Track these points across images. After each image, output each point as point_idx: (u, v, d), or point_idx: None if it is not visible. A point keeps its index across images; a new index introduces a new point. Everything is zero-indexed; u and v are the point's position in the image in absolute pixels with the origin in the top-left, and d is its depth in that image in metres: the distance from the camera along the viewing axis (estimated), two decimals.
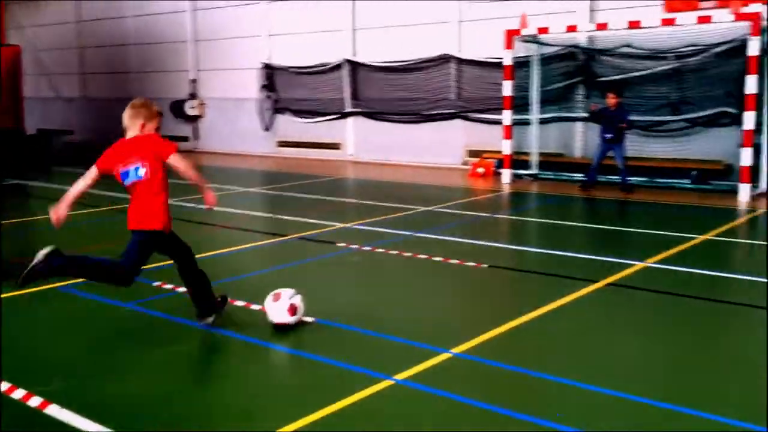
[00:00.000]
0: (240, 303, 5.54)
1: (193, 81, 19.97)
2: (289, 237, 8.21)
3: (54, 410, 3.70)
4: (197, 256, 5.13)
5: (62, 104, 23.70)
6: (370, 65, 16.29)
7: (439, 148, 15.49)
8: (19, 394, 3.89)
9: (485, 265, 6.77)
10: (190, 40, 19.79)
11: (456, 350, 4.53)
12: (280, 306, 4.92)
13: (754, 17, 10.37)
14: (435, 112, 15.50)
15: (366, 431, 3.49)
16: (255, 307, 5.45)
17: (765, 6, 10.84)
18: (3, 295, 5.65)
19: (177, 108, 20.09)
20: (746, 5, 10.73)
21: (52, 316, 5.49)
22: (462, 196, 11.58)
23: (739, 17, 10.55)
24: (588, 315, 5.41)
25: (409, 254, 7.23)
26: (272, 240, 8.16)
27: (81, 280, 5.62)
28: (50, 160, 16.94)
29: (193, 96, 19.96)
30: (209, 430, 3.57)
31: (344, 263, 7.11)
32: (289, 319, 4.91)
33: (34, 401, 3.80)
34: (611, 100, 11.48)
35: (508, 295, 6.10)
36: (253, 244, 7.87)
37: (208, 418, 3.70)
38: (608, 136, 11.38)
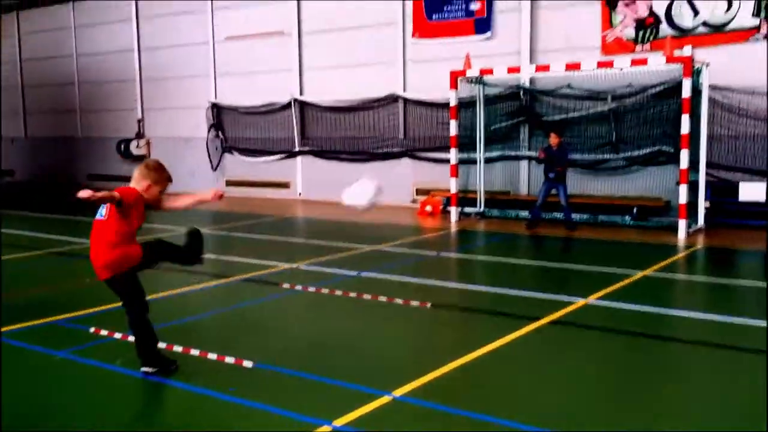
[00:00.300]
0: (178, 348, 5.41)
1: (140, 120, 19.75)
2: (232, 279, 8.09)
3: None
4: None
5: (3, 144, 23.13)
6: (318, 105, 16.38)
7: (387, 186, 15.29)
8: None
9: (429, 305, 6.77)
10: (137, 79, 19.61)
11: (397, 393, 4.48)
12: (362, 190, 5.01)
13: (686, 60, 10.79)
14: (383, 150, 15.62)
15: None
16: (194, 352, 5.32)
17: (695, 49, 11.32)
18: None
19: (123, 147, 19.81)
20: (678, 48, 11.18)
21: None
22: (410, 235, 11.63)
23: (671, 60, 10.97)
24: (530, 354, 5.44)
25: (354, 294, 7.19)
26: (215, 282, 8.03)
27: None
28: None
29: (139, 135, 19.72)
30: None
31: (288, 305, 7.03)
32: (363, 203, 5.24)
33: None
34: (553, 140, 11.75)
35: (451, 335, 6.10)
36: (194, 287, 7.72)
37: None
38: (552, 174, 11.62)
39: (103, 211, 4.76)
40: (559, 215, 12.01)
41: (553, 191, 11.73)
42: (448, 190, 13.38)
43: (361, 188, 5.14)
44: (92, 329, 5.89)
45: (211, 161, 18.25)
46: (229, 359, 5.15)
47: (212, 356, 5.23)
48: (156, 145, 19.56)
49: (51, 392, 4.70)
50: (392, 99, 15.37)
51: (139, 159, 19.71)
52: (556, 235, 11.39)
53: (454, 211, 13.12)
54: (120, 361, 5.14)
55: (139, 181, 4.96)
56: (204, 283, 7.92)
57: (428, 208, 14.04)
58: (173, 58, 18.80)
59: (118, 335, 5.76)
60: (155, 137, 19.57)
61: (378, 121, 15.60)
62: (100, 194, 4.44)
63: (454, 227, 12.48)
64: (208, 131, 18.15)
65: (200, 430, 4.05)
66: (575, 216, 11.88)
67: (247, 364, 5.05)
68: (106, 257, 4.70)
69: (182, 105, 18.73)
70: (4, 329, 5.87)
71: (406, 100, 15.24)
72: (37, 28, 21.74)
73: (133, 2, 19.32)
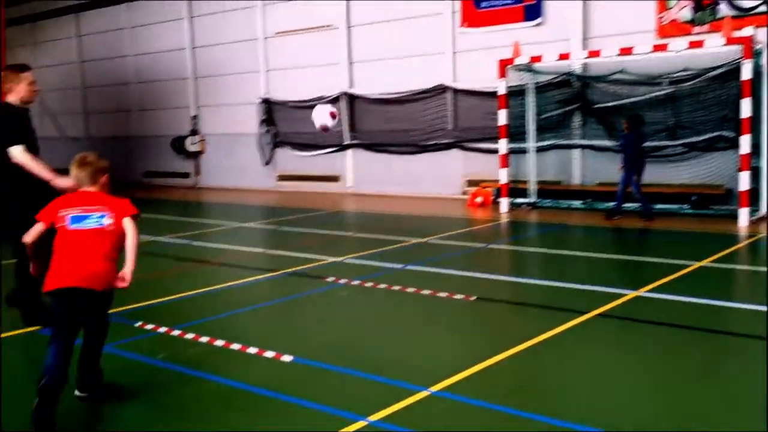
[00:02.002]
0: (219, 342, 5.44)
1: (194, 117, 20.09)
2: (278, 272, 8.11)
3: None
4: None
5: (67, 144, 23.87)
6: (367, 97, 16.34)
7: (437, 178, 15.44)
8: None
9: (474, 298, 6.64)
10: (191, 77, 19.95)
11: (434, 388, 4.39)
12: (322, 109, 5.57)
13: (746, 41, 10.32)
14: (432, 142, 15.48)
15: None
16: (235, 346, 5.34)
17: (757, 29, 10.80)
18: None
19: (178, 144, 20.19)
20: (738, 29, 10.69)
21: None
22: (459, 227, 11.48)
23: (731, 41, 10.50)
24: (575, 349, 5.27)
25: (398, 288, 7.12)
26: (261, 276, 8.07)
27: None
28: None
29: (194, 132, 20.07)
30: None
31: (331, 299, 7.00)
32: (331, 122, 5.65)
33: None
34: (627, 127, 11.31)
35: (493, 329, 5.96)
36: (240, 281, 7.78)
37: None
38: (629, 162, 11.16)
39: (105, 220, 4.20)
40: (632, 206, 11.52)
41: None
42: (498, 181, 13.17)
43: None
44: (138, 323, 5.98)
45: (263, 156, 18.44)
46: (269, 353, 5.15)
47: (252, 350, 5.24)
48: (209, 142, 19.87)
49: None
50: (441, 90, 15.21)
51: (194, 155, 20.09)
52: (612, 226, 11.07)
53: (504, 202, 12.91)
54: (162, 356, 5.20)
55: (99, 179, 4.39)
56: (250, 278, 7.97)
57: (478, 199, 13.85)
58: (225, 56, 19.05)
59: (162, 329, 5.83)
60: (208, 134, 19.89)
61: (427, 112, 15.46)
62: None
63: (504, 218, 12.27)
64: (260, 126, 18.34)
65: (236, 425, 4.05)
66: (628, 205, 11.47)
67: (286, 358, 5.04)
68: (108, 268, 4.16)
69: (234, 101, 18.97)
70: None
71: (455, 91, 15.06)
72: (96, 29, 22.34)
73: (186, 1, 19.64)
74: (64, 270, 4.03)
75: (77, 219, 4.17)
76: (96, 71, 22.72)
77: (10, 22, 23.01)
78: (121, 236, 4.22)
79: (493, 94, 13.48)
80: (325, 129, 5.74)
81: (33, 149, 5.83)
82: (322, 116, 5.73)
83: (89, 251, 4.09)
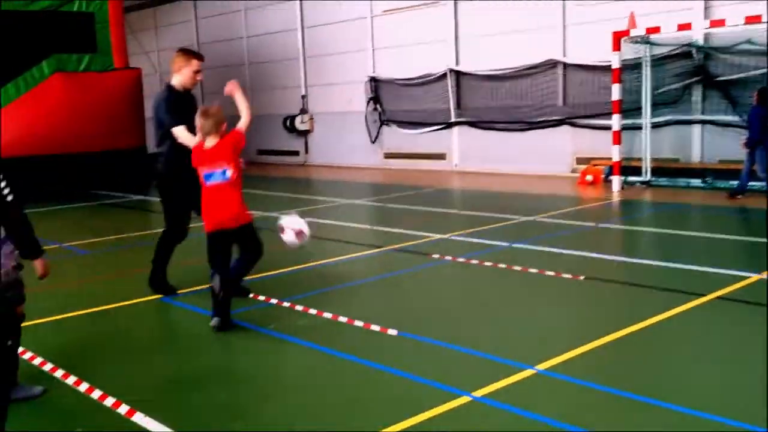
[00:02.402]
0: (327, 315, 5.58)
1: (303, 96, 20.53)
2: (384, 248, 8.21)
3: (139, 418, 3.86)
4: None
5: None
6: (474, 74, 16.13)
7: (545, 156, 15.08)
8: (109, 401, 4.09)
9: (582, 278, 6.47)
10: (301, 57, 20.37)
11: (540, 367, 4.33)
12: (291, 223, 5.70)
13: None
14: (541, 119, 15.11)
15: None
16: (342, 319, 5.47)
17: None
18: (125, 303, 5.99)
19: (289, 123, 20.71)
20: None
21: (154, 326, 5.75)
22: (568, 205, 11.19)
23: None
24: (689, 332, 5.04)
25: (504, 266, 7.04)
26: (368, 251, 8.20)
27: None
28: None
29: (303, 111, 20.52)
30: None
31: (436, 275, 7.02)
32: (294, 241, 5.70)
33: (122, 409, 3.98)
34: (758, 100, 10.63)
35: (603, 309, 5.79)
36: (348, 256, 7.93)
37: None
38: (756, 138, 10.51)
39: (227, 174, 5.25)
40: (758, 185, 10.86)
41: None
42: (610, 159, 12.70)
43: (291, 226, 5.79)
44: (251, 295, 6.22)
45: (369, 134, 18.63)
46: (375, 327, 5.24)
47: (359, 324, 5.35)
48: (318, 120, 20.28)
49: (204, 354, 5.03)
50: (551, 64, 14.79)
51: (304, 134, 20.58)
52: (734, 205, 10.47)
53: (616, 180, 12.45)
54: (273, 326, 5.40)
55: (221, 128, 5.37)
56: (357, 253, 8.11)
57: (588, 177, 13.43)
58: (333, 35, 19.29)
59: (274, 301, 6.05)
60: (317, 113, 20.29)
61: (536, 88, 15.09)
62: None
63: (616, 197, 11.85)
64: (367, 105, 18.51)
65: (340, 394, 4.16)
66: (753, 185, 10.78)
67: (392, 332, 5.11)
68: (239, 210, 5.36)
69: (342, 80, 19.22)
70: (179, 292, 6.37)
71: (565, 65, 14.60)
72: (213, 12, 23.17)
73: None
74: (210, 217, 5.31)
75: (208, 176, 5.29)
76: (212, 53, 23.56)
77: (134, 7, 24.30)
78: (241, 177, 5.34)
79: (605, 69, 12.99)
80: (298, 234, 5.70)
81: (192, 130, 6.05)
82: (289, 233, 5.66)
83: (222, 201, 5.27)
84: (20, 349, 4.86)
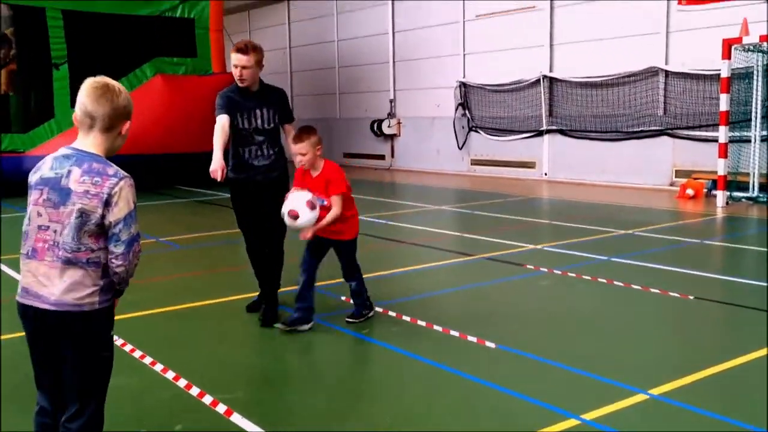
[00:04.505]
0: (421, 323, 5.44)
1: (391, 101, 20.52)
2: (475, 257, 8.01)
3: (237, 418, 3.81)
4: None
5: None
6: (569, 81, 15.69)
7: (642, 167, 14.49)
8: (207, 399, 4.07)
9: (691, 297, 6.09)
10: (390, 61, 20.38)
11: (654, 392, 4.05)
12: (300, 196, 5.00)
13: None
14: (639, 129, 14.53)
15: None
16: (436, 327, 5.31)
17: None
18: (196, 305, 6.03)
19: (376, 127, 20.75)
20: None
21: (248, 323, 5.75)
22: (668, 220, 10.67)
23: None
24: None
25: (604, 280, 6.72)
26: (458, 259, 8.01)
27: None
28: None
29: (391, 115, 20.52)
30: None
31: (532, 287, 6.77)
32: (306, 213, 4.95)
33: (220, 408, 3.95)
34: None
35: (716, 333, 5.42)
36: (438, 263, 7.77)
37: None
38: None
39: (323, 202, 5.14)
40: None
41: None
42: (714, 172, 12.06)
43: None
44: (343, 297, 6.15)
45: (457, 140, 18.42)
46: (471, 338, 5.06)
47: (454, 333, 5.18)
48: (405, 124, 20.21)
49: (300, 354, 4.98)
50: (651, 72, 14.21)
51: (390, 138, 20.56)
52: None
53: (720, 195, 11.80)
54: (366, 331, 5.30)
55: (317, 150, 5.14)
56: (447, 260, 7.94)
57: (689, 191, 12.79)
58: (424, 39, 19.20)
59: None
60: (405, 117, 20.23)
61: (634, 96, 14.53)
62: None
63: (720, 213, 11.22)
64: (456, 110, 18.31)
65: (438, 408, 4.00)
66: None
67: (490, 344, 4.92)
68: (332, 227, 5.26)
69: (430, 85, 19.10)
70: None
71: (667, 73, 13.99)
72: (305, 16, 23.51)
73: None
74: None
75: None
76: (302, 56, 23.95)
77: (229, 10, 24.93)
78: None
79: (710, 77, 12.37)
80: (293, 216, 4.82)
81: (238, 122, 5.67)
82: (297, 202, 4.93)
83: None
84: (120, 341, 4.94)
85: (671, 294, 6.18)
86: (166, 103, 15.00)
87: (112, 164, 2.77)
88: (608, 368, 4.44)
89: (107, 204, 2.66)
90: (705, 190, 12.66)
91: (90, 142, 2.75)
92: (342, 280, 5.67)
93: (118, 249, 2.68)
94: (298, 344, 5.13)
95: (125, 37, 15.19)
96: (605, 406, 3.85)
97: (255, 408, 3.97)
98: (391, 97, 20.51)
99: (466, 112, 18.12)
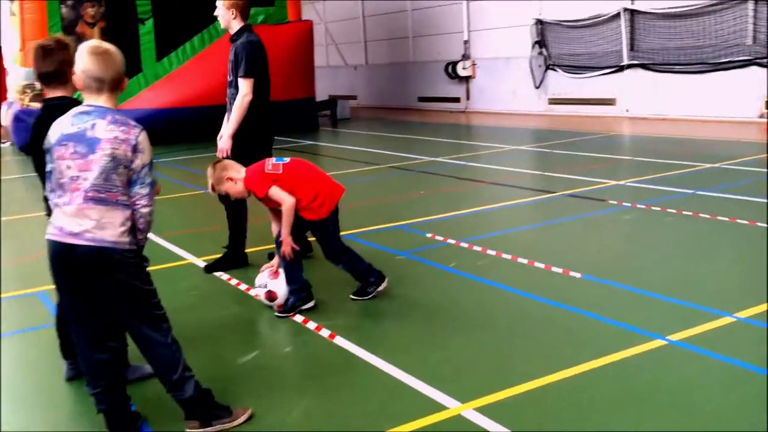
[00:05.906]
0: (506, 256, 5.63)
1: (466, 42, 20.30)
2: (556, 194, 8.08)
3: (339, 340, 4.15)
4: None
5: (348, 72, 25.66)
6: (651, 12, 15.14)
7: (729, 99, 13.97)
8: (311, 325, 4.42)
9: None
10: (464, 1, 20.07)
11: (740, 314, 4.14)
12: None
13: None
14: (726, 59, 13.96)
15: (636, 388, 3.37)
16: (522, 260, 5.50)
17: None
18: None
19: (451, 69, 20.61)
20: None
21: None
22: (756, 152, 10.35)
23: None
24: None
25: (689, 213, 6.71)
26: (539, 197, 8.10)
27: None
28: (337, 123, 18.62)
29: (465, 57, 20.32)
30: (464, 381, 3.71)
31: (615, 221, 6.83)
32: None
33: (324, 332, 4.29)
34: None
35: None
36: (519, 201, 7.89)
37: (461, 367, 3.85)
38: None
39: None
40: None
41: None
42: None
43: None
44: (429, 234, 6.39)
45: (534, 79, 18.14)
46: (556, 269, 5.22)
47: (539, 265, 5.35)
48: (480, 66, 20.00)
49: (395, 286, 5.25)
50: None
51: (465, 80, 20.41)
52: None
53: None
54: (453, 264, 5.53)
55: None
56: (529, 198, 8.05)
57: None
58: None
59: (451, 241, 6.18)
60: (479, 58, 20.00)
61: (721, 26, 13.93)
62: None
63: None
64: (532, 48, 17.98)
65: (525, 332, 4.21)
66: None
67: (575, 275, 5.07)
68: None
69: (505, 24, 18.75)
70: (355, 230, 6.65)
71: (757, 0, 13.33)
72: None
73: None
74: None
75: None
76: (375, 1, 23.85)
77: None
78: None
79: None
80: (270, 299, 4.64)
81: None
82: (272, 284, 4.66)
83: None
84: (226, 276, 5.33)
85: (759, 224, 6.14)
86: None
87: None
88: (694, 294, 4.54)
89: (135, 150, 2.94)
90: None
91: (102, 101, 3.01)
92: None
93: (144, 190, 2.99)
94: (393, 276, 5.38)
95: None
96: (691, 328, 3.99)
97: (354, 333, 4.28)
98: (465, 39, 20.28)
99: (543, 50, 17.77)
